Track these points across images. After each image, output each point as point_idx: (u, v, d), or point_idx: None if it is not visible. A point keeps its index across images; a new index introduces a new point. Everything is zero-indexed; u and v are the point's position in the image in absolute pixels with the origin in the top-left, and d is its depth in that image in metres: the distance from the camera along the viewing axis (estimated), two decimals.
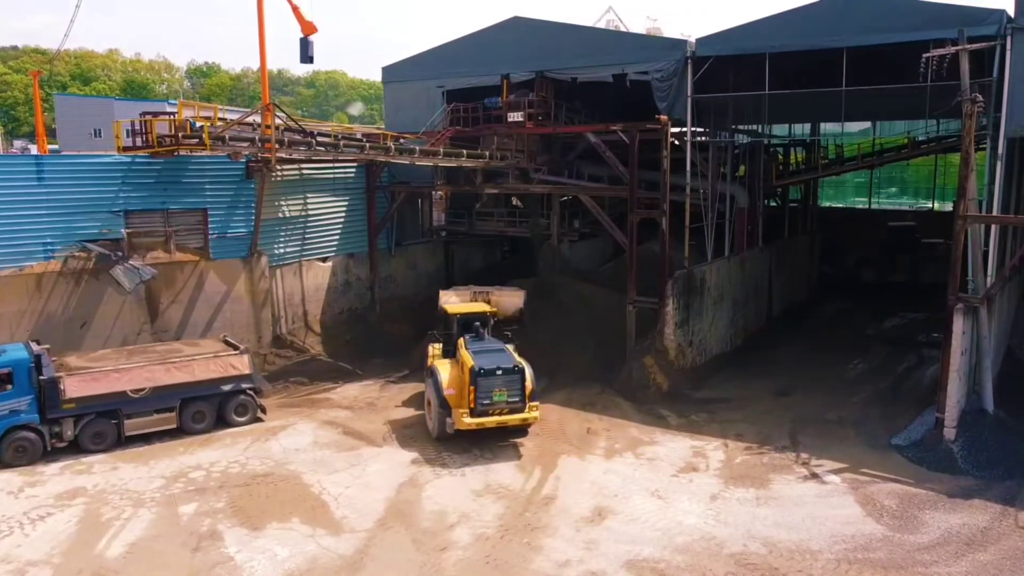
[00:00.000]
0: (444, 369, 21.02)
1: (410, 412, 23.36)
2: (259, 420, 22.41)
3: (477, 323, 22.27)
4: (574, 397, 24.44)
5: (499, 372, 19.74)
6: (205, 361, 21.70)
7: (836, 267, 43.81)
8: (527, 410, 20.07)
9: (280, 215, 27.16)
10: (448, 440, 20.32)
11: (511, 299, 25.25)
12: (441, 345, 22.82)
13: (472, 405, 19.61)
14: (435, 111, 30.52)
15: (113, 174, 23.36)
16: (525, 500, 17.46)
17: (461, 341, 21.55)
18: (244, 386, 22.04)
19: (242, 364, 22.13)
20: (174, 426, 21.12)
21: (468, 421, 19.55)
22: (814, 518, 16.60)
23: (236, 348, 22.64)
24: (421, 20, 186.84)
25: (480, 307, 23.37)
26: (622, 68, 26.85)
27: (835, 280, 42.28)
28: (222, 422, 21.82)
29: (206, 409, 21.55)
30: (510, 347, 21.74)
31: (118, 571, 14.59)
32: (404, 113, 31.97)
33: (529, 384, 20.24)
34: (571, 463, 19.59)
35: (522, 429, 20.79)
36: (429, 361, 22.60)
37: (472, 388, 19.61)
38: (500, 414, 19.84)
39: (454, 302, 24.19)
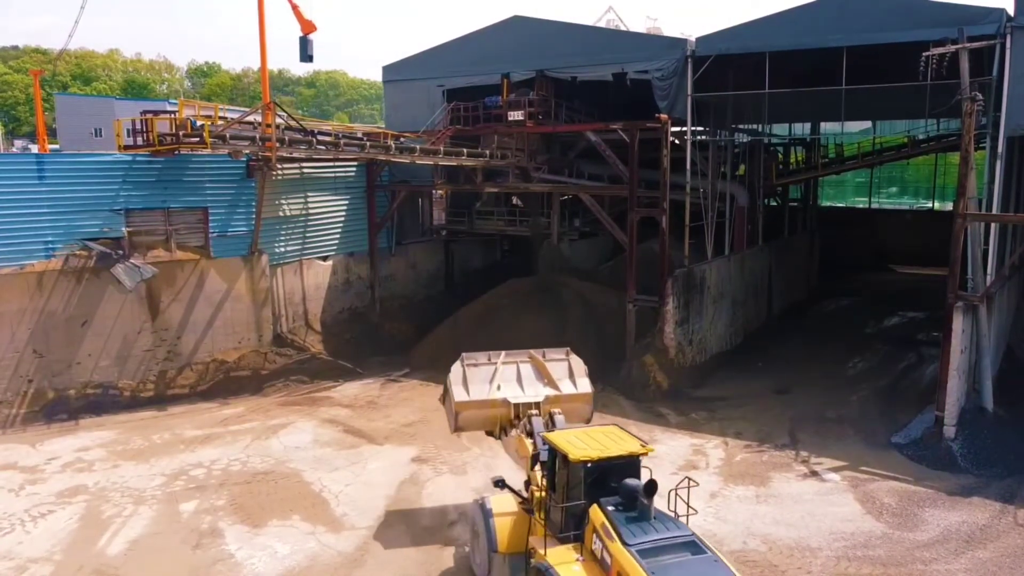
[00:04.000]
0: None
1: (410, 410, 23.40)
2: None
3: (630, 482, 11.41)
4: None
5: None
6: None
7: None
8: None
9: (280, 214, 27.17)
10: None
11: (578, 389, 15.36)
12: (517, 500, 13.71)
13: None
14: (435, 110, 30.54)
15: (114, 173, 23.37)
16: None
17: (600, 518, 11.11)
18: None
19: None
20: None
21: None
22: (813, 516, 16.63)
23: None
24: (420, 19, 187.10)
25: (628, 446, 12.01)
26: (622, 67, 26.91)
27: None
28: None
29: None
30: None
31: (119, 568, 14.64)
32: (404, 112, 31.98)
33: None
34: None
35: None
36: (502, 540, 12.98)
37: None
38: None
39: (466, 398, 14.97)
